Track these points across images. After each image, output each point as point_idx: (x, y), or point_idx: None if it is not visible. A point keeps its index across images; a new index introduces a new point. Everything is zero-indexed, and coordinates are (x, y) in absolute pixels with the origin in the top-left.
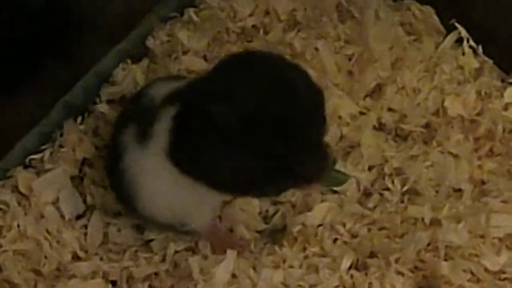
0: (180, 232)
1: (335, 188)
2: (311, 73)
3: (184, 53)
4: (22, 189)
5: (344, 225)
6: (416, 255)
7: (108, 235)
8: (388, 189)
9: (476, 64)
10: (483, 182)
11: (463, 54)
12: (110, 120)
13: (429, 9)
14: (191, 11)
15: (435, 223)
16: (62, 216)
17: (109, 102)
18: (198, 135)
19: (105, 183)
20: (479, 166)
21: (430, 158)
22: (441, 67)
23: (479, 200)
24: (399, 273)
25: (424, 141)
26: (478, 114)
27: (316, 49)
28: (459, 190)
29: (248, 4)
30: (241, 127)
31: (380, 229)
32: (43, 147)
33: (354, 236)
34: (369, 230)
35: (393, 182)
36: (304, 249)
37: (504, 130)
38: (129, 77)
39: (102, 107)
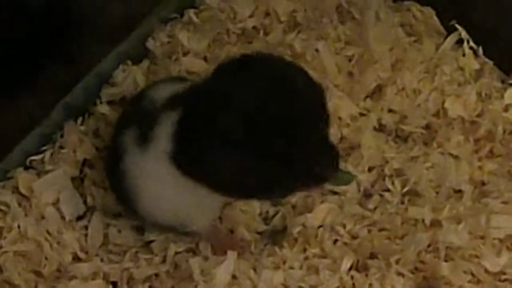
0: (180, 233)
1: (335, 190)
2: (312, 74)
3: (185, 54)
4: (22, 190)
5: (344, 226)
6: (416, 256)
7: (109, 236)
8: (388, 190)
9: (476, 65)
10: (483, 183)
11: (464, 55)
12: (110, 121)
13: (429, 10)
14: (191, 12)
15: (436, 224)
16: (63, 217)
17: (109, 103)
18: (203, 140)
19: (106, 184)
20: (480, 167)
21: (430, 159)
22: (442, 68)
23: (480, 201)
24: (400, 274)
25: (424, 142)
26: (478, 115)
27: (317, 50)
28: (460, 191)
29: (248, 5)
30: (246, 130)
31: (381, 230)
32: (44, 148)
33: (354, 237)
34: (369, 231)
35: (393, 183)
36: (304, 250)
37: (504, 131)
38: (129, 78)
39: (103, 108)
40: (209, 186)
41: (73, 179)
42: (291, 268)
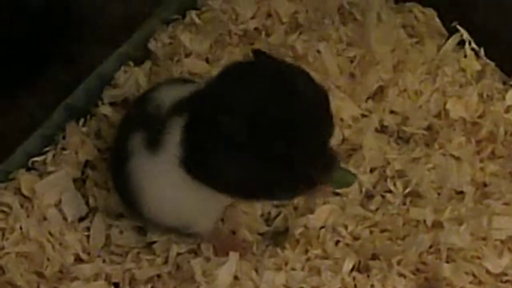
0: (182, 235)
1: (337, 190)
2: (313, 75)
3: (186, 55)
4: (24, 191)
5: (346, 227)
6: (418, 257)
7: (111, 237)
8: (390, 191)
9: (478, 67)
10: (485, 185)
11: (465, 56)
12: (112, 122)
13: (431, 12)
14: (193, 14)
15: (437, 225)
16: (65, 218)
17: (111, 104)
18: (209, 145)
19: (108, 185)
20: (481, 169)
21: (432, 160)
22: (443, 70)
23: (481, 203)
24: (401, 275)
25: (426, 144)
26: (480, 117)
27: (318, 51)
28: (461, 192)
29: (250, 6)
30: (249, 133)
31: (382, 231)
32: (46, 149)
33: (356, 238)
34: (371, 232)
35: (395, 184)
36: (306, 251)
37: (506, 133)
38: (131, 79)
39: (105, 110)
40: (216, 189)
41: (75, 180)
42: (293, 269)
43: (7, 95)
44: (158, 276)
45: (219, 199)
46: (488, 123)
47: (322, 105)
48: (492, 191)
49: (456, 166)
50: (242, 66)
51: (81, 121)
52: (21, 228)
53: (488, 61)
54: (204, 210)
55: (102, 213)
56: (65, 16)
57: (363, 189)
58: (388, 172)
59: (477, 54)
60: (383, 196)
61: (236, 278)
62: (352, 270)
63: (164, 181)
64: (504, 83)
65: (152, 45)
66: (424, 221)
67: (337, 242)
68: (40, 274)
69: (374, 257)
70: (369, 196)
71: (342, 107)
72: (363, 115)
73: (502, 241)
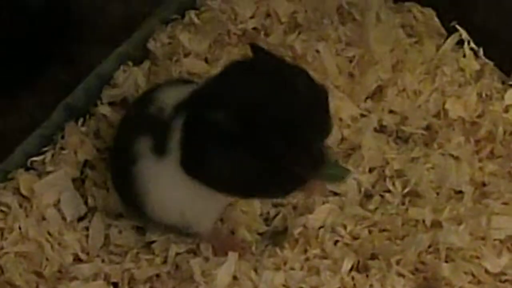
0: (182, 234)
1: (336, 190)
2: (312, 75)
3: (185, 55)
4: (23, 191)
5: (345, 227)
6: (417, 257)
7: (110, 237)
8: (389, 191)
9: (477, 66)
10: (484, 184)
11: (464, 56)
12: (111, 122)
13: (430, 11)
14: (192, 14)
15: (436, 225)
16: (64, 218)
17: (110, 104)
18: (204, 142)
19: (107, 185)
20: (480, 168)
21: (431, 160)
22: (442, 69)
23: (480, 202)
24: (400, 275)
25: (425, 143)
26: (479, 116)
27: (317, 51)
28: (460, 192)
29: (249, 6)
30: (242, 131)
31: (381, 231)
32: (45, 149)
33: (355, 238)
34: (370, 232)
35: (394, 184)
36: (305, 251)
37: (504, 132)
38: (130, 79)
39: (104, 109)
40: (212, 187)
41: (74, 180)
42: (292, 269)
43: (6, 95)
44: (157, 276)
45: (218, 198)
46: (487, 123)
47: (318, 103)
48: (491, 190)
49: (455, 166)
50: (240, 64)
51: (80, 121)
52: (20, 228)
53: (487, 60)
54: (204, 210)
55: (101, 213)
56: (64, 16)
57: (362, 189)
58: (387, 172)
59: (476, 53)
60: (382, 196)
61: (235, 278)
62: (351, 270)
63: (168, 181)
64: (503, 82)
65: (151, 45)
66: (423, 220)
67: (336, 242)
68: (39, 274)
69: (373, 256)
70: (368, 196)
71: (341, 107)
72: (362, 115)
73: (501, 241)
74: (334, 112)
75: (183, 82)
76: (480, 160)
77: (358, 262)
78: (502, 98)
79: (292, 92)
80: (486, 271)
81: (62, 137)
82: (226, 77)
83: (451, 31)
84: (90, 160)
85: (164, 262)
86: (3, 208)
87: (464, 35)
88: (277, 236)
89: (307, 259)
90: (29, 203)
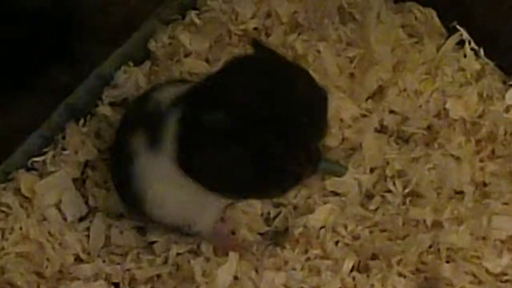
0: (182, 234)
1: (337, 191)
2: (313, 75)
3: (186, 55)
4: (24, 191)
5: (346, 227)
6: (417, 257)
7: (110, 237)
8: (389, 191)
9: (477, 66)
10: (484, 184)
11: (465, 56)
12: (112, 122)
13: (430, 11)
14: (192, 14)
15: (437, 225)
16: (65, 219)
17: (111, 104)
18: (199, 141)
19: (108, 185)
20: (481, 168)
21: (431, 160)
22: (443, 69)
23: (481, 202)
24: (401, 275)
25: (425, 143)
26: (479, 116)
27: (318, 51)
28: (461, 192)
29: (249, 6)
30: (236, 129)
31: (382, 231)
32: (46, 149)
33: (356, 238)
34: (371, 232)
35: (394, 184)
36: (306, 251)
37: (505, 132)
38: (131, 79)
39: (104, 110)
40: (205, 186)
41: (75, 180)
42: (293, 269)
43: (7, 95)
44: (158, 276)
45: (216, 197)
46: (488, 123)
47: (317, 102)
48: (491, 191)
49: (456, 166)
50: (238, 62)
51: (81, 121)
52: (21, 228)
53: (487, 60)
54: (203, 209)
55: (102, 213)
56: (65, 17)
57: (363, 189)
58: (388, 172)
59: (476, 53)
60: (382, 196)
61: (236, 278)
62: (351, 270)
63: (165, 178)
64: (504, 82)
65: (152, 45)
66: (424, 221)
67: (337, 242)
68: (40, 274)
69: (374, 257)
70: (368, 196)
71: (342, 107)
72: (363, 115)
73: (501, 241)
74: (334, 112)
75: (181, 82)
76: (481, 160)
77: (359, 262)
78: (503, 98)
79: (290, 90)
80: (487, 271)
81: (63, 138)
82: (224, 75)
83: (451, 31)
84: (91, 160)
85: (165, 262)
86: (4, 209)
87: (465, 35)
88: (278, 236)
89: (308, 259)
90: (30, 204)
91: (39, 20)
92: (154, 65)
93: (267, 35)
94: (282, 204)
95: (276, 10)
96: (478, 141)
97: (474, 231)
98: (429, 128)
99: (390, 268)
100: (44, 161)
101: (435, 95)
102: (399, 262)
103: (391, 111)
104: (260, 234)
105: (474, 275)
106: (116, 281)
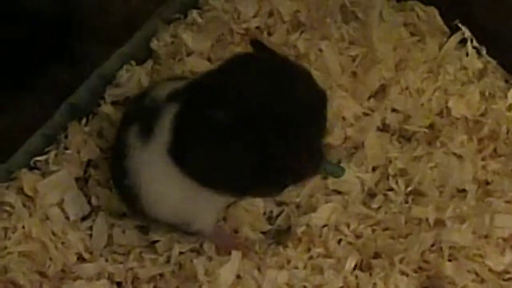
0: (185, 233)
1: (339, 189)
2: (315, 74)
3: (188, 54)
4: (27, 190)
5: (348, 225)
6: (420, 255)
7: (113, 236)
8: (392, 189)
9: (479, 65)
10: (487, 183)
11: (467, 55)
12: (114, 121)
13: (432, 10)
14: (194, 13)
15: (439, 223)
16: (67, 218)
17: (113, 103)
18: (197, 137)
19: (110, 184)
20: (483, 167)
21: (434, 158)
22: (445, 68)
23: (483, 201)
24: (403, 273)
25: (428, 142)
26: (482, 115)
27: (320, 50)
28: (463, 190)
29: (251, 5)
30: (237, 127)
31: (384, 229)
32: (48, 148)
33: (358, 236)
34: (373, 230)
35: (397, 182)
36: (309, 249)
37: (508, 131)
38: (133, 78)
39: (107, 109)
40: (201, 183)
41: (77, 179)
42: (295, 267)
43: (9, 94)
44: (161, 275)
45: (215, 195)
46: (490, 121)
47: (317, 100)
48: (494, 189)
49: (458, 165)
50: (239, 60)
51: (83, 120)
52: (23, 228)
53: (490, 59)
54: (202, 206)
55: (104, 213)
56: (67, 16)
57: (365, 188)
58: (390, 171)
59: (479, 52)
60: (385, 195)
61: (238, 277)
62: (354, 268)
63: (159, 174)
64: (506, 81)
65: (154, 44)
66: (426, 219)
67: (340, 240)
68: (42, 274)
69: (377, 255)
70: (371, 195)
71: (344, 105)
72: (365, 114)
73: (504, 239)
74: (337, 111)
75: (179, 79)
76: (483, 159)
77: (362, 260)
78: (505, 96)
79: (291, 88)
80: (490, 269)
81: (66, 137)
82: (225, 72)
83: (454, 29)
84: (94, 159)
85: (168, 261)
86: (7, 208)
87: (467, 33)
88: (280, 235)
89: (310, 258)
90: (32, 203)
91: (42, 20)
92: (156, 64)
93: (269, 34)
94: (285, 203)
95: (278, 9)
96: (480, 140)
97: (477, 229)
98: (431, 126)
99: (392, 267)
100: (46, 161)
101: (437, 93)
102: (401, 261)
103: (393, 110)
104: (263, 233)
105: (477, 274)
106: (118, 280)
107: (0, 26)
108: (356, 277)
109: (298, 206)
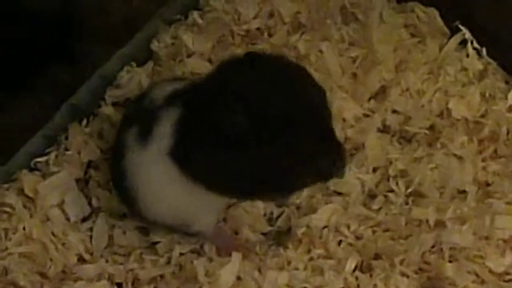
0: (185, 235)
1: (339, 190)
2: (315, 75)
3: (189, 55)
4: (27, 192)
5: (348, 227)
6: (420, 256)
7: (114, 237)
8: (392, 191)
9: (480, 66)
10: (487, 184)
11: (467, 56)
12: (115, 122)
13: (433, 11)
14: (195, 14)
15: (440, 224)
16: (68, 219)
17: (114, 104)
18: (202, 138)
19: (111, 185)
20: (483, 168)
21: (434, 160)
22: (445, 69)
23: (484, 202)
24: (404, 274)
25: (428, 143)
26: (482, 116)
27: (320, 51)
28: (464, 192)
29: (252, 6)
30: (249, 130)
31: (385, 231)
32: (48, 150)
33: (358, 238)
34: (373, 232)
35: (397, 184)
36: (309, 251)
37: (508, 132)
38: (134, 80)
39: (107, 110)
40: (213, 188)
41: (77, 180)
42: (296, 269)
43: (10, 95)
44: (161, 276)
45: (215, 197)
46: (491, 123)
47: (319, 99)
48: (494, 190)
49: (459, 166)
50: (240, 60)
51: (84, 121)
52: (24, 229)
53: (490, 60)
54: (201, 208)
55: (105, 214)
56: (67, 17)
57: (366, 189)
58: (391, 172)
59: (479, 53)
60: (385, 196)
61: (239, 278)
62: (354, 269)
63: (158, 176)
64: (506, 82)
65: (154, 45)
66: (427, 220)
67: (340, 241)
68: (43, 275)
69: (377, 256)
70: (371, 196)
71: (344, 107)
72: (366, 115)
73: (504, 240)
74: (337, 112)
75: (179, 80)
76: (483, 160)
77: (362, 262)
78: (506, 97)
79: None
80: (490, 270)
81: (66, 138)
82: (226, 73)
83: (454, 31)
84: (94, 160)
85: (168, 262)
86: (7, 209)
87: (467, 35)
88: (280, 236)
89: (310, 259)
90: (33, 204)
91: (42, 21)
92: (156, 66)
93: (270, 35)
94: (285, 204)
95: (279, 10)
96: (480, 141)
97: (477, 230)
98: (431, 127)
99: (393, 268)
100: (47, 162)
101: (438, 94)
102: (402, 262)
103: (394, 111)
104: (263, 234)
105: (477, 275)
106: (119, 281)
107: (0, 26)
108: (357, 278)
109: (298, 207)
